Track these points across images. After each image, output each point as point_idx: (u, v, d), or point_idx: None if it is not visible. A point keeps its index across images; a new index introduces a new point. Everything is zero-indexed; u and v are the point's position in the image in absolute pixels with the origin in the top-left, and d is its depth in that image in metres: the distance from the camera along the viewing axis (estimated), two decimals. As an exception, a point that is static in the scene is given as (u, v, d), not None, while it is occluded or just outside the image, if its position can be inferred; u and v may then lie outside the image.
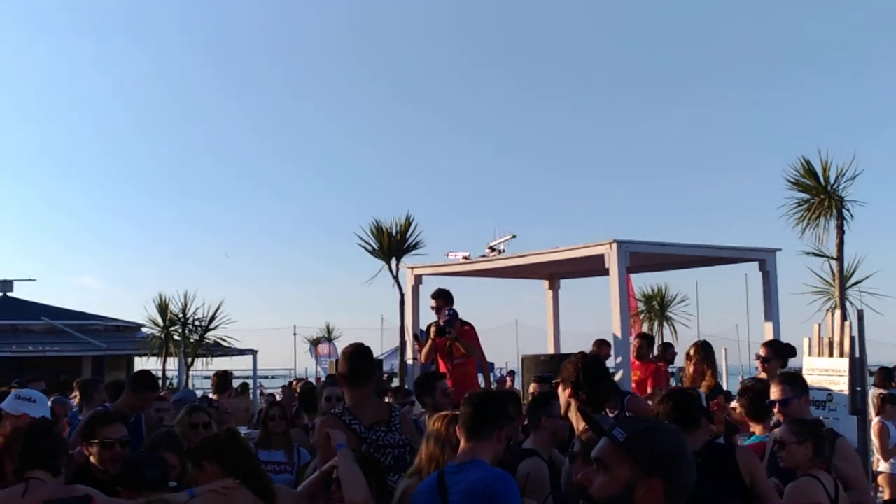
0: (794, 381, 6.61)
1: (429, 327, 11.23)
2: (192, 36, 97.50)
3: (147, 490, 4.70)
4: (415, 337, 11.54)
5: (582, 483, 2.66)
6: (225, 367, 29.75)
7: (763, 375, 8.32)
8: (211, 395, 10.93)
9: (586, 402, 6.02)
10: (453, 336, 10.36)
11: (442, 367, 10.31)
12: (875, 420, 10.84)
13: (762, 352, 8.56)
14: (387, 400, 15.22)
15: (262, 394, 19.05)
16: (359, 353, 5.79)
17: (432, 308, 11.08)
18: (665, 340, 19.82)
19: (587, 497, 2.61)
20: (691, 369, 9.20)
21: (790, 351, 8.89)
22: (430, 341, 10.58)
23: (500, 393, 6.40)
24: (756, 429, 6.55)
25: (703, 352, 9.32)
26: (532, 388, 8.18)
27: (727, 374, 21.78)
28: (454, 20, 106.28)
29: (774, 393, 6.44)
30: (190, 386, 22.10)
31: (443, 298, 10.92)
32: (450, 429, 4.70)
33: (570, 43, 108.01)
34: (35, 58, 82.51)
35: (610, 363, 11.90)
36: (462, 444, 4.45)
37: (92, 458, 5.52)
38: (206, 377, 31.72)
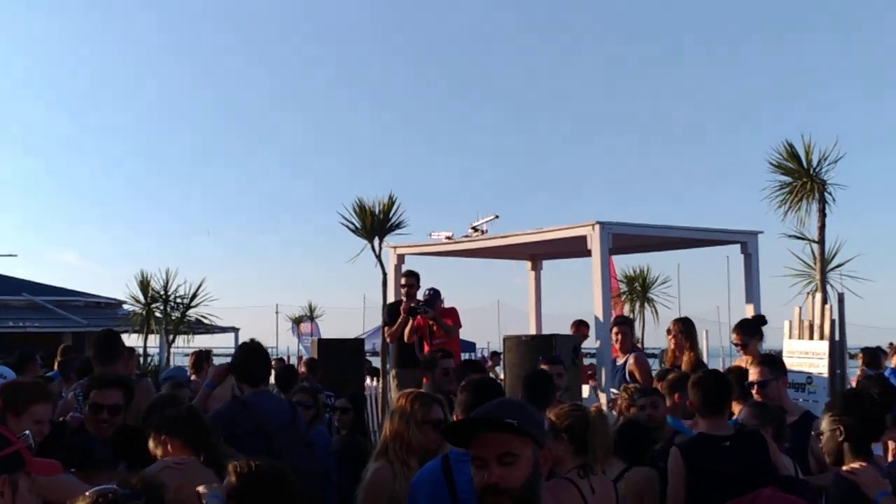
0: (773, 364, 6.67)
1: (394, 306, 11.21)
2: None
3: (96, 470, 4.69)
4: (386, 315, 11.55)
5: (493, 483, 2.64)
6: (206, 344, 29.74)
7: (744, 361, 8.35)
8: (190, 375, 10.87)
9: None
10: (430, 315, 10.38)
11: (426, 349, 10.30)
12: None
13: (735, 338, 8.56)
14: (369, 381, 15.19)
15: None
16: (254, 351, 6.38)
17: (402, 287, 11.10)
18: (646, 321, 19.91)
19: (504, 493, 2.63)
20: (672, 344, 9.20)
21: (761, 321, 8.94)
22: (410, 321, 10.59)
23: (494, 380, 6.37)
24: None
25: (683, 325, 9.30)
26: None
27: (708, 355, 21.85)
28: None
29: (753, 374, 6.51)
30: (171, 364, 22.04)
31: (415, 278, 10.96)
32: (414, 405, 4.67)
33: (554, 21, 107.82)
34: (40, 29, 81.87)
35: (589, 344, 11.98)
36: None
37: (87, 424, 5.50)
38: (188, 354, 31.70)
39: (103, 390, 5.50)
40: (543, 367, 7.55)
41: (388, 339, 11.43)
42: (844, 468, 4.27)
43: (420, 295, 10.75)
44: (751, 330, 8.57)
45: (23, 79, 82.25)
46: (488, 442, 2.66)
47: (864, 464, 4.25)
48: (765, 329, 8.73)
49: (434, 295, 10.59)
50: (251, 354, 6.43)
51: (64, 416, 5.94)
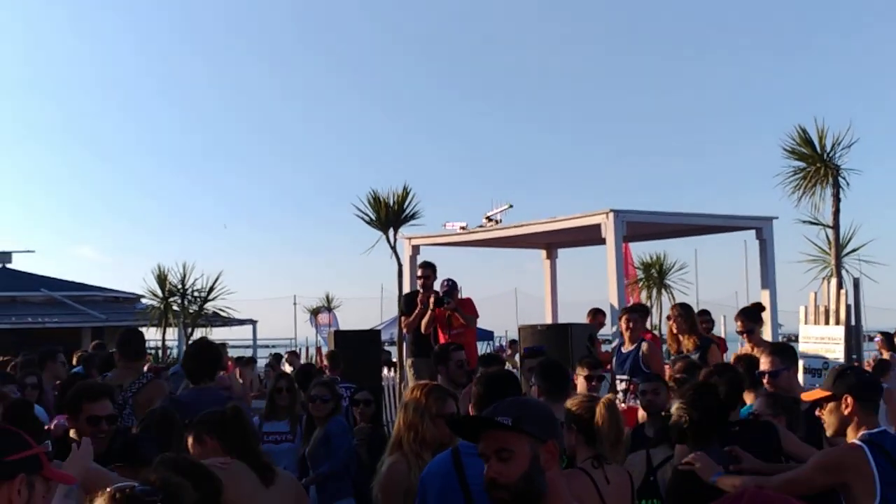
0: (784, 353, 6.59)
1: (411, 296, 11.25)
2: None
3: (142, 467, 4.70)
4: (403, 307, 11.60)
5: (491, 477, 2.84)
6: (224, 337, 29.93)
7: (749, 347, 8.36)
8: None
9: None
10: (452, 306, 10.42)
11: (441, 339, 10.35)
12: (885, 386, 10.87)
13: (739, 325, 8.56)
14: (386, 372, 15.25)
15: (269, 364, 19.09)
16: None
17: (419, 278, 11.15)
18: (663, 308, 19.88)
19: (502, 487, 2.82)
20: (674, 329, 9.28)
21: (760, 307, 9.01)
22: (429, 311, 10.64)
23: (511, 372, 6.39)
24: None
25: (681, 309, 9.37)
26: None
27: (726, 341, 21.82)
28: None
29: (764, 364, 6.44)
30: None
31: (431, 269, 11.01)
32: (429, 398, 4.64)
33: (568, 10, 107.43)
34: (54, 27, 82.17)
35: (606, 331, 12.00)
36: None
37: (73, 433, 5.35)
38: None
39: (97, 402, 5.31)
40: (525, 358, 7.64)
41: (404, 329, 11.48)
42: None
43: (437, 286, 10.79)
44: (754, 316, 8.57)
45: (36, 77, 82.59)
46: (488, 438, 2.87)
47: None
48: (781, 314, 8.77)
49: (452, 286, 10.63)
50: (192, 353, 6.84)
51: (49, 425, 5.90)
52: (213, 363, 6.83)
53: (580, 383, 7.26)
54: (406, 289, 12.48)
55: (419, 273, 11.26)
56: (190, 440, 4.76)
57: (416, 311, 10.84)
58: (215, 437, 4.63)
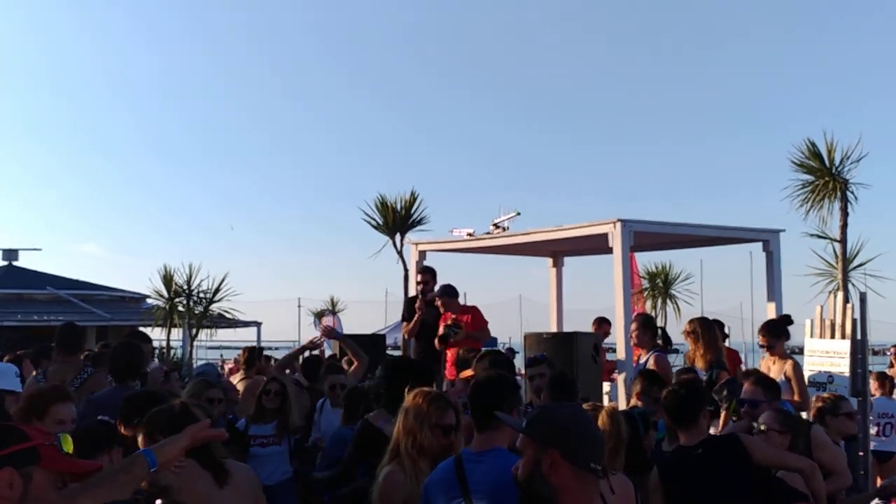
0: (769, 386, 6.57)
1: (411, 301, 11.21)
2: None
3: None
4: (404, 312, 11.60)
5: (514, 472, 3.13)
6: (229, 338, 29.94)
7: (771, 361, 8.34)
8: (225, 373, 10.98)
9: None
10: (461, 336, 10.12)
11: (450, 352, 10.18)
12: None
13: (761, 340, 8.53)
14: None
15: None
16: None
17: (417, 283, 11.12)
18: (668, 318, 19.85)
19: (517, 482, 3.10)
20: (692, 345, 9.12)
21: (787, 321, 8.87)
22: (416, 316, 10.75)
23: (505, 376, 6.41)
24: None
25: (698, 324, 9.08)
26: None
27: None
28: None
29: (747, 392, 6.44)
30: (194, 358, 22.19)
31: (430, 274, 10.98)
32: (430, 407, 4.60)
33: (579, 19, 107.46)
34: (63, 27, 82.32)
35: (611, 340, 11.97)
36: (476, 433, 4.26)
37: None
38: (210, 348, 31.93)
39: (63, 404, 5.21)
40: (527, 367, 7.74)
41: (405, 335, 11.46)
42: None
43: (435, 290, 10.73)
44: (777, 331, 8.54)
45: (45, 77, 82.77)
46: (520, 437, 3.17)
47: None
48: (788, 328, 8.72)
49: (449, 292, 10.49)
50: (117, 353, 7.08)
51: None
52: (136, 364, 7.08)
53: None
54: (412, 293, 12.50)
55: (418, 278, 11.27)
56: (140, 438, 4.66)
57: (415, 319, 10.82)
58: (167, 435, 4.38)
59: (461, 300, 10.98)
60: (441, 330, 10.30)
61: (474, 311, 10.60)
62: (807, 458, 5.52)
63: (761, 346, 8.56)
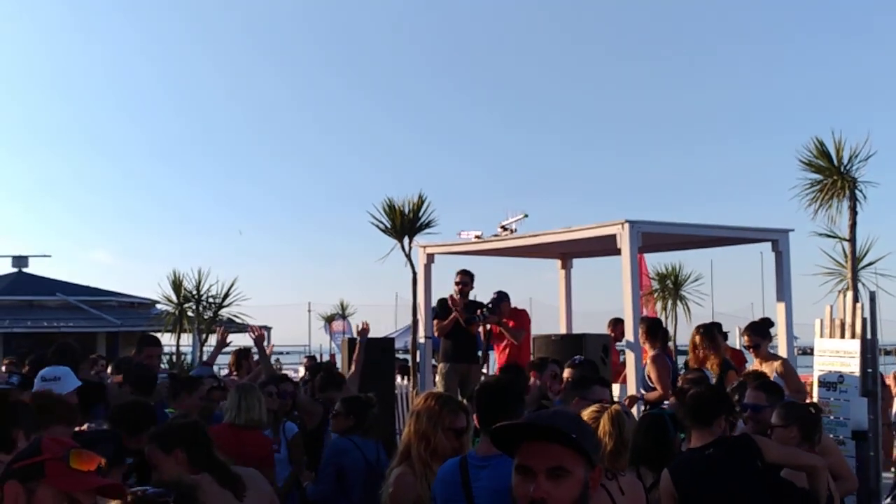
0: (772, 391, 6.55)
1: (445, 300, 11.42)
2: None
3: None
4: (435, 310, 11.90)
5: (539, 497, 2.40)
6: (239, 343, 29.94)
7: (757, 365, 8.33)
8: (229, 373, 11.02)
9: None
10: (494, 321, 11.00)
11: (497, 349, 10.78)
12: None
13: (746, 340, 8.52)
14: (400, 380, 15.36)
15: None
16: None
17: (456, 284, 11.36)
18: (678, 319, 19.80)
19: None
20: (701, 354, 9.10)
21: (768, 323, 8.93)
22: (451, 316, 11.14)
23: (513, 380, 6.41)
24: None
25: (703, 331, 9.16)
26: (567, 373, 8.23)
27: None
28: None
29: (750, 397, 6.40)
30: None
31: (469, 277, 11.55)
32: (443, 409, 4.58)
33: (585, 20, 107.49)
34: (69, 35, 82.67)
35: (622, 343, 11.96)
36: (482, 436, 4.24)
37: None
38: (220, 353, 31.87)
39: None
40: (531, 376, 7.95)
41: (436, 333, 11.68)
42: None
43: (488, 298, 11.38)
44: (762, 331, 8.54)
45: (52, 83, 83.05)
46: (540, 452, 2.44)
47: None
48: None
49: (499, 298, 11.00)
50: (57, 354, 7.51)
51: None
52: (73, 365, 7.22)
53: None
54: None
55: (457, 279, 11.60)
56: (154, 451, 4.58)
57: (451, 317, 11.03)
58: (184, 450, 4.48)
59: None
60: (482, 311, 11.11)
61: (522, 315, 11.47)
62: (820, 458, 5.47)
63: (746, 347, 8.55)
